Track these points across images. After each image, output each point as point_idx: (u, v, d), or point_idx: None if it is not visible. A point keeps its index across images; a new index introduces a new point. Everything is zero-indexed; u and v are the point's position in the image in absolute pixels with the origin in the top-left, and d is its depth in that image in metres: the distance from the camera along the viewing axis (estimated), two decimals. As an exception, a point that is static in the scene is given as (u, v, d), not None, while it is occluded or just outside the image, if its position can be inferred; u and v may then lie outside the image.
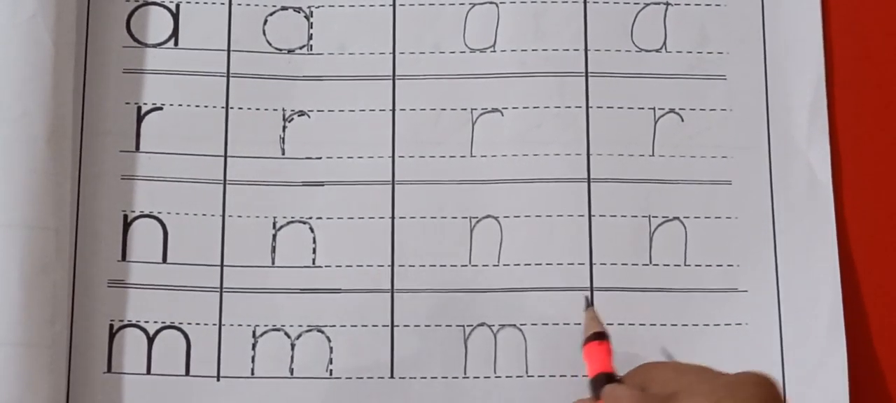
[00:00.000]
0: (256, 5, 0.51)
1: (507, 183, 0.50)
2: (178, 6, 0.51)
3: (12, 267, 0.46)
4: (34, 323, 0.46)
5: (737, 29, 0.51)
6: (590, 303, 0.48)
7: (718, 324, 0.49)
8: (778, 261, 0.49)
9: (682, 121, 0.50)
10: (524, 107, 0.50)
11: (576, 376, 0.48)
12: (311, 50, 0.51)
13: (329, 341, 0.49)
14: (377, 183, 0.50)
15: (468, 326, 0.49)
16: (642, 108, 0.50)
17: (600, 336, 0.45)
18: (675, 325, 0.49)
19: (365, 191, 0.50)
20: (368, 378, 0.49)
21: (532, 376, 0.49)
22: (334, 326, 0.49)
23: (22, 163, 0.47)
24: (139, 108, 0.51)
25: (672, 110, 0.51)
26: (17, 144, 0.47)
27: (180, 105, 0.51)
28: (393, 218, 0.50)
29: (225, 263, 0.50)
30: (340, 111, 0.51)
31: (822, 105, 0.50)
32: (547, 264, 0.49)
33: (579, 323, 0.48)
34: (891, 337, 0.49)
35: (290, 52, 0.51)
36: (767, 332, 0.49)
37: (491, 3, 0.51)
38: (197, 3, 0.51)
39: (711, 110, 0.51)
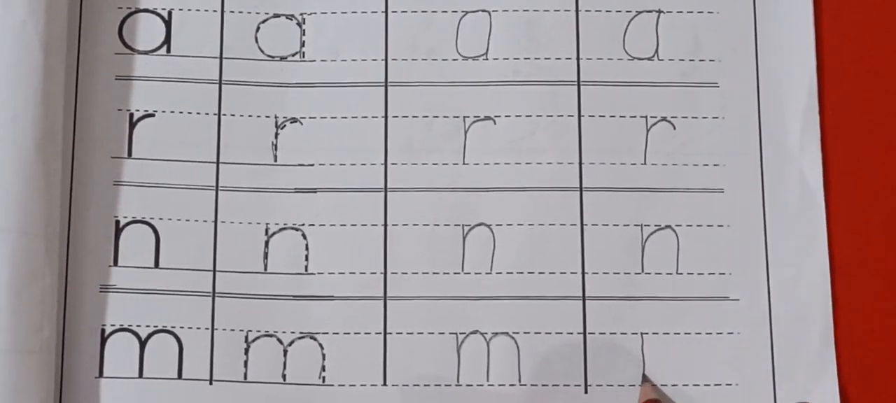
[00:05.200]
0: (248, 13, 0.51)
1: (499, 191, 0.50)
2: (170, 13, 0.51)
3: (0, 272, 0.46)
4: (22, 328, 0.46)
5: (729, 37, 0.51)
6: (647, 379, 0.49)
7: (710, 333, 0.49)
8: (770, 270, 0.49)
9: (675, 129, 0.51)
10: (517, 115, 0.51)
11: (568, 385, 0.49)
12: (303, 57, 0.51)
13: (322, 348, 0.49)
14: (370, 190, 0.50)
15: (461, 334, 0.49)
16: (634, 117, 0.51)
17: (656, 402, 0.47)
18: (668, 334, 0.49)
19: (357, 198, 0.50)
20: (361, 385, 0.49)
21: (525, 384, 0.49)
22: (327, 333, 0.49)
23: (10, 168, 0.47)
24: (131, 115, 0.51)
25: (664, 118, 0.51)
26: (6, 150, 0.47)
27: (172, 112, 0.51)
28: (385, 225, 0.50)
29: (217, 269, 0.50)
30: (333, 118, 0.51)
31: (815, 113, 0.50)
32: (539, 272, 0.49)
33: (572, 332, 0.49)
34: (882, 346, 0.49)
35: (282, 59, 0.51)
36: (759, 341, 0.49)
37: (483, 11, 0.51)
38: (189, 10, 0.51)
39: (704, 118, 0.51)
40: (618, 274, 0.49)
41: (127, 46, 0.51)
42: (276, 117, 0.51)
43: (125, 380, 0.49)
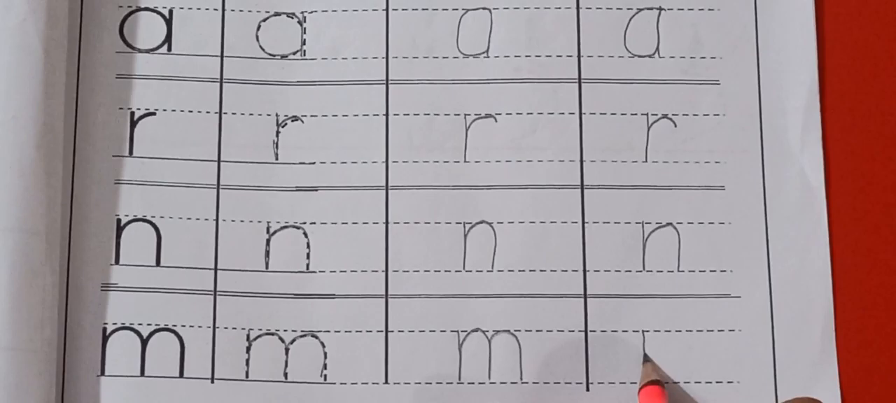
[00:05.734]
0: (249, 11, 0.51)
1: (500, 188, 0.50)
2: (171, 12, 0.51)
3: (1, 271, 0.46)
4: (23, 327, 0.46)
5: (730, 34, 0.51)
6: (648, 359, 0.49)
7: (711, 330, 0.49)
8: (771, 267, 0.49)
9: (676, 126, 0.51)
10: (517, 113, 0.51)
11: (570, 383, 0.49)
12: (304, 55, 0.51)
13: (323, 346, 0.49)
14: (371, 188, 0.50)
15: (462, 332, 0.49)
16: (635, 114, 0.51)
17: (657, 383, 0.47)
18: (669, 331, 0.49)
19: (359, 196, 0.50)
20: (363, 383, 0.49)
21: (527, 382, 0.49)
22: (328, 331, 0.49)
23: (11, 167, 0.47)
24: (132, 114, 0.51)
25: (665, 115, 0.51)
26: (6, 148, 0.47)
27: (173, 110, 0.51)
28: (387, 223, 0.50)
29: (219, 267, 0.50)
30: (334, 116, 0.51)
31: (816, 110, 0.50)
32: (541, 270, 0.49)
33: (574, 330, 0.49)
34: (883, 343, 0.49)
35: (283, 57, 0.51)
36: (760, 338, 0.49)
37: (484, 8, 0.51)
38: (190, 8, 0.51)
39: (704, 115, 0.51)
40: (619, 271, 0.49)
41: (128, 45, 0.51)
42: (277, 115, 0.51)
43: (127, 379, 0.49)
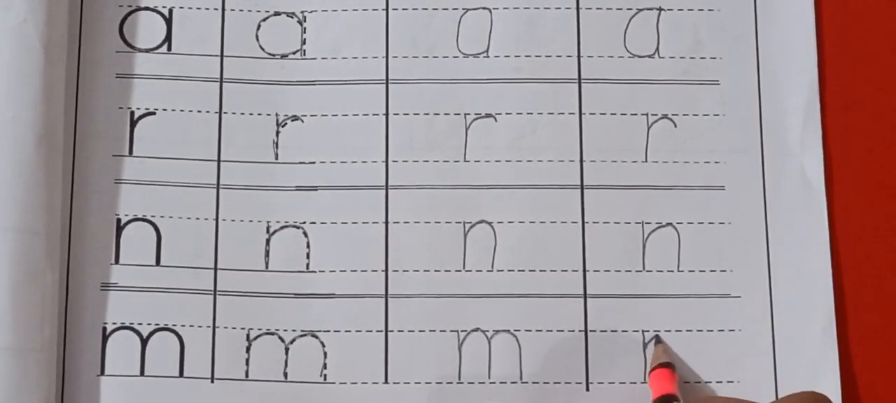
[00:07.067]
0: (249, 11, 0.51)
1: (500, 188, 0.50)
2: (170, 11, 0.51)
3: (1, 271, 0.46)
4: (23, 327, 0.46)
5: (730, 34, 0.51)
6: (660, 340, 0.49)
7: (712, 330, 0.49)
8: (771, 267, 0.49)
9: (675, 126, 0.51)
10: (518, 113, 0.51)
11: (570, 383, 0.49)
12: (304, 54, 0.51)
13: (323, 346, 0.49)
14: (371, 187, 0.50)
15: (462, 331, 0.49)
16: (635, 114, 0.51)
17: (668, 366, 0.47)
18: (669, 331, 0.49)
19: (359, 196, 0.50)
20: (363, 383, 0.49)
21: (527, 382, 0.49)
22: (328, 331, 0.49)
23: (11, 166, 0.47)
24: (132, 113, 0.51)
25: (665, 116, 0.51)
26: (6, 149, 0.47)
27: (173, 110, 0.51)
28: (387, 222, 0.50)
29: (218, 267, 0.50)
30: (334, 115, 0.51)
31: (816, 110, 0.50)
32: (541, 270, 0.49)
33: (574, 330, 0.49)
34: (884, 343, 0.49)
35: (283, 57, 0.51)
36: (761, 338, 0.49)
37: (484, 8, 0.51)
38: (190, 8, 0.51)
39: (704, 115, 0.51)
40: (619, 271, 0.49)
41: (127, 44, 0.51)
42: (277, 115, 0.51)
43: (127, 378, 0.49)
